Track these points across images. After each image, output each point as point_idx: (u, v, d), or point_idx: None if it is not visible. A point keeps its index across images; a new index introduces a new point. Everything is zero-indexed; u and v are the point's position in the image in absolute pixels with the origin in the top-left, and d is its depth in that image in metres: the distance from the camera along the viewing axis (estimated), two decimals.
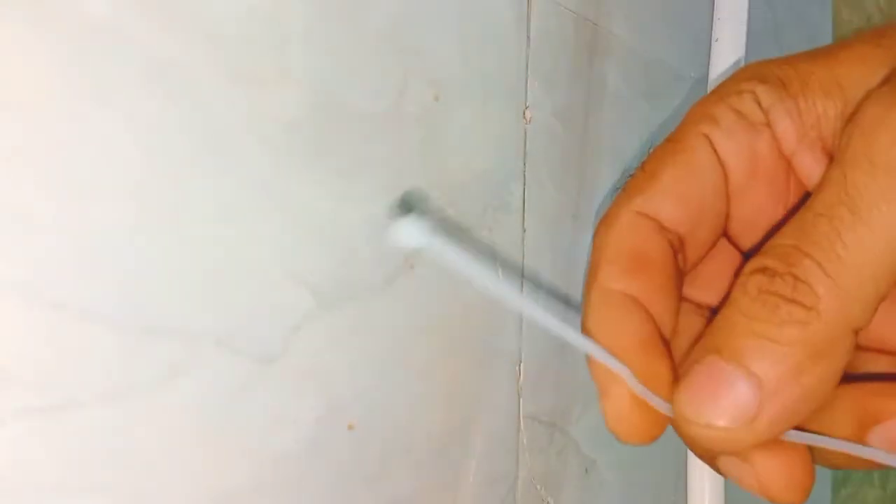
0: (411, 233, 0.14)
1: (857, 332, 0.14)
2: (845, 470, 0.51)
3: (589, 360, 0.17)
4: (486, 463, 0.27)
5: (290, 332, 0.20)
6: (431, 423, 0.25)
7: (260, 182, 0.19)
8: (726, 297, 0.15)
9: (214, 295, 0.18)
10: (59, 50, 0.16)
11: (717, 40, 0.32)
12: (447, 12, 0.24)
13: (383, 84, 0.22)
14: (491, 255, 0.26)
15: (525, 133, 0.27)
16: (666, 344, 0.17)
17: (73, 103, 0.16)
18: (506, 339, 0.27)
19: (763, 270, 0.15)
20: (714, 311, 0.19)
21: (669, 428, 0.17)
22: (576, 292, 0.31)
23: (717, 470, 0.16)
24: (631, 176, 0.18)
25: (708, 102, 0.18)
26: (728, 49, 0.32)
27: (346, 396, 0.22)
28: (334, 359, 0.21)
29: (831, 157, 0.16)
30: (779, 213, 0.18)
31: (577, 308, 0.30)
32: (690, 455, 0.32)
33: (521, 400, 0.28)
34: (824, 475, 0.49)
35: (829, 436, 0.15)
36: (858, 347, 0.17)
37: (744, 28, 0.32)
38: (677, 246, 0.18)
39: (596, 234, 0.18)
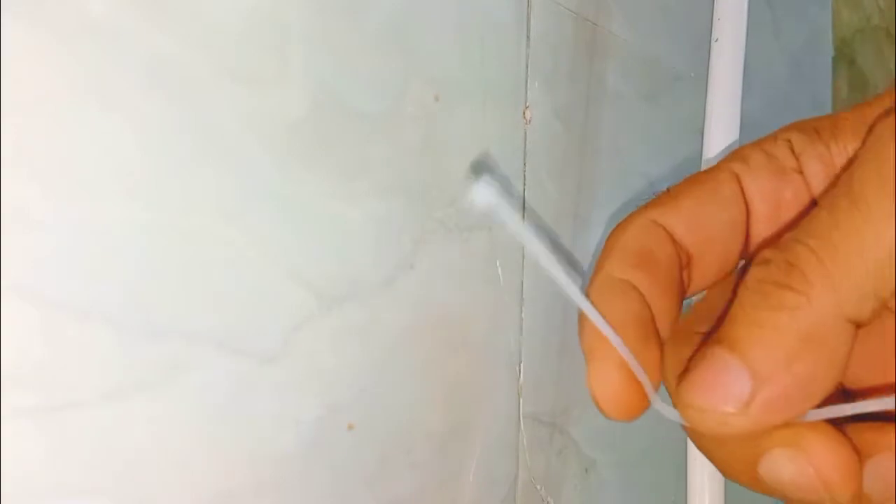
0: (484, 194, 0.15)
1: (856, 325, 0.14)
2: None
3: (581, 326, 0.17)
4: (486, 463, 0.27)
5: (291, 332, 0.20)
6: (431, 423, 0.24)
7: (261, 181, 0.19)
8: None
9: (216, 295, 0.18)
10: (60, 50, 0.15)
11: (716, 40, 0.32)
12: (447, 12, 0.24)
13: (384, 84, 0.22)
14: (491, 255, 0.26)
15: (525, 133, 0.27)
16: (659, 335, 0.17)
17: (74, 103, 0.16)
18: (506, 339, 0.27)
19: (763, 262, 0.15)
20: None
21: (672, 429, 0.17)
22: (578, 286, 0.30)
23: (764, 479, 0.15)
24: (654, 195, 0.19)
25: (745, 146, 0.18)
26: (728, 49, 0.32)
27: (346, 396, 0.22)
28: (335, 359, 0.21)
29: None
30: None
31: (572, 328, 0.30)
32: (691, 454, 0.32)
33: (521, 400, 0.28)
34: None
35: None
36: (844, 390, 0.17)
37: (744, 28, 0.32)
38: (685, 261, 0.18)
39: (609, 236, 0.18)
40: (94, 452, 0.16)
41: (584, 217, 0.30)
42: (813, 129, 0.17)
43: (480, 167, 0.24)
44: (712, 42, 0.33)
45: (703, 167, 0.24)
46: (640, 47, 0.32)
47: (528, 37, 0.27)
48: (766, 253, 0.15)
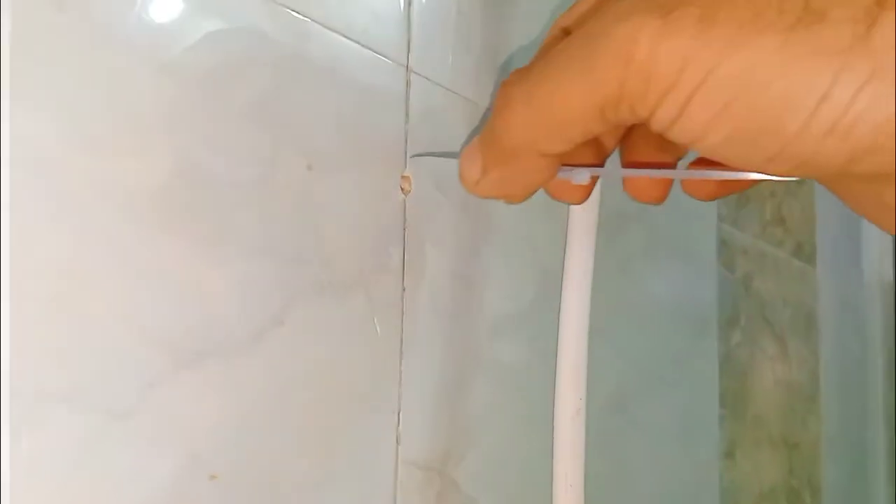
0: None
1: (550, 156, 0.20)
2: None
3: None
4: None
5: (146, 388, 0.20)
6: (302, 472, 0.25)
7: (116, 247, 0.19)
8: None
9: (63, 353, 0.18)
10: None
11: None
12: (322, 89, 0.25)
13: (252, 154, 0.23)
14: (368, 312, 0.27)
15: (404, 202, 0.28)
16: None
17: None
18: (385, 389, 0.28)
19: (505, 84, 0.21)
20: None
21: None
22: (456, 345, 0.32)
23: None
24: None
25: None
26: None
27: (208, 448, 0.22)
28: (194, 413, 0.21)
29: None
30: None
31: (453, 384, 0.31)
32: (556, 492, 0.32)
33: (399, 447, 0.29)
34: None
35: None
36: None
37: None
38: None
39: None
40: None
41: (463, 275, 0.32)
42: None
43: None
44: None
45: None
46: None
47: (406, 113, 0.28)
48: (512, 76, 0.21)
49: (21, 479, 0.18)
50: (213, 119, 0.22)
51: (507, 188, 0.23)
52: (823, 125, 0.16)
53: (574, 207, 0.26)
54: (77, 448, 0.19)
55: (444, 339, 0.31)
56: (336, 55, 0.26)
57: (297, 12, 0.24)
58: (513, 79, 0.21)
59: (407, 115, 0.28)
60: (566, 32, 0.23)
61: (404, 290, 0.28)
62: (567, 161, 0.23)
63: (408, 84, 0.28)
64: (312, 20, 0.25)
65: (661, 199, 0.24)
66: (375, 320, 0.27)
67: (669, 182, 0.24)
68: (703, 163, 0.21)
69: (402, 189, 0.28)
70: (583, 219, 0.27)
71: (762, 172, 0.19)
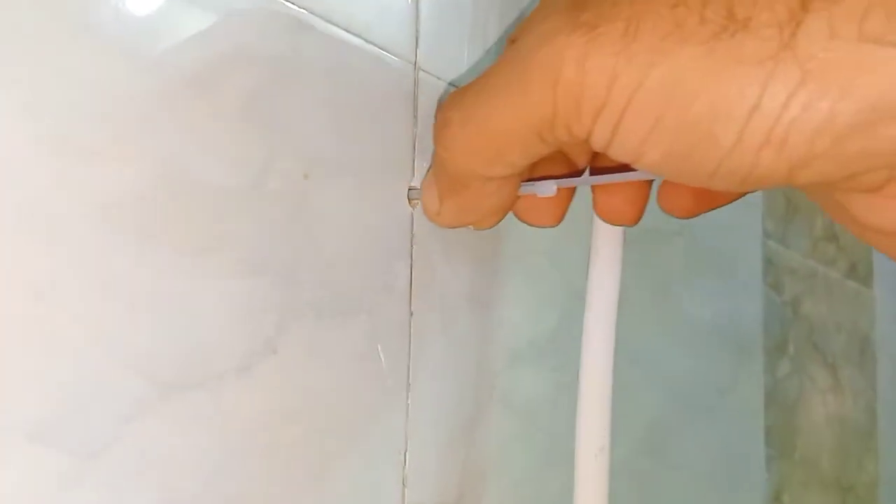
0: None
1: (494, 178, 0.22)
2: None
3: None
4: None
5: (122, 423, 0.20)
6: None
7: (92, 261, 0.19)
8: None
9: (27, 382, 0.18)
10: None
11: None
12: (320, 89, 0.25)
13: (242, 159, 0.22)
14: (371, 338, 0.27)
15: (412, 215, 0.28)
16: None
17: None
18: (389, 426, 0.28)
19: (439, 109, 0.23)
20: None
21: None
22: (470, 376, 0.31)
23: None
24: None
25: None
26: None
27: (190, 487, 0.22)
28: (176, 450, 0.21)
29: None
30: None
31: (465, 418, 0.31)
32: None
33: (405, 490, 0.28)
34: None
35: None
36: None
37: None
38: None
39: None
40: None
41: (480, 299, 0.31)
42: None
43: None
44: None
45: None
46: None
47: (415, 116, 0.28)
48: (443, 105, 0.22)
49: None
50: (200, 121, 0.22)
51: (467, 216, 0.24)
52: (757, 137, 0.17)
53: (597, 221, 0.26)
54: (45, 490, 0.18)
55: (457, 370, 0.30)
56: (336, 51, 0.26)
57: (293, 4, 0.24)
58: (449, 101, 0.22)
59: (415, 117, 0.28)
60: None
61: (412, 313, 0.28)
62: (534, 177, 0.24)
63: (416, 83, 0.28)
64: (310, 12, 0.25)
65: (635, 219, 0.25)
66: (379, 348, 0.27)
67: (644, 201, 0.24)
68: None
69: (409, 201, 0.28)
70: (607, 233, 0.26)
71: (712, 188, 0.19)
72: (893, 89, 0.16)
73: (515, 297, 0.33)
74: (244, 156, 0.23)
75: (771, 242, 0.53)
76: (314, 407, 0.25)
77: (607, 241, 0.26)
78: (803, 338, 0.56)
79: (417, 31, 0.28)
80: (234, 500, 0.23)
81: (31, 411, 0.18)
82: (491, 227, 0.25)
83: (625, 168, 0.23)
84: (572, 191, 0.25)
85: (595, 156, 0.25)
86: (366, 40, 0.26)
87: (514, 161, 0.21)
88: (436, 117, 0.22)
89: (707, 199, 0.23)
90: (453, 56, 0.30)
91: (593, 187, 0.25)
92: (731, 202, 0.23)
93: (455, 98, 0.22)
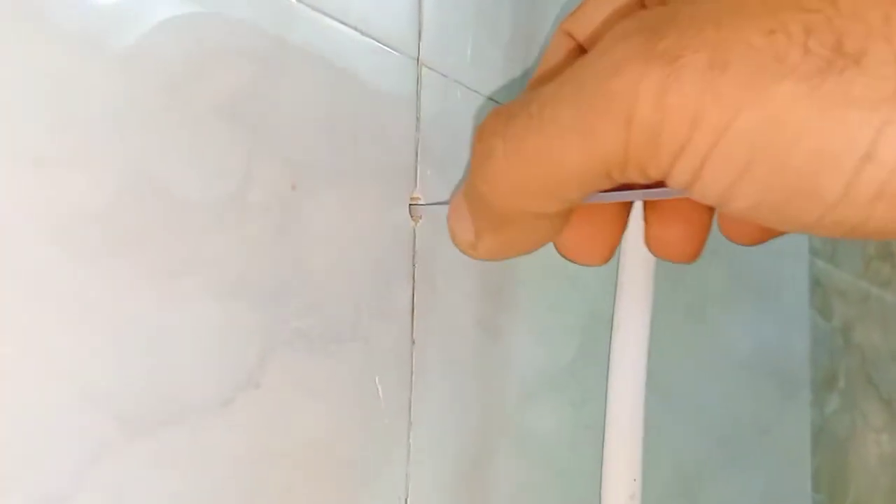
0: None
1: (543, 216, 0.21)
2: None
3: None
4: None
5: (88, 465, 0.20)
6: None
7: (52, 283, 0.19)
8: None
9: None
10: None
11: None
12: (311, 87, 0.25)
13: (220, 168, 0.22)
14: (367, 369, 0.27)
15: (414, 230, 0.28)
16: None
17: None
18: (389, 467, 0.28)
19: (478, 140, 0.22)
20: None
21: None
22: (479, 412, 0.31)
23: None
24: None
25: None
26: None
27: None
28: (146, 493, 0.21)
29: None
30: None
31: (473, 461, 0.31)
32: None
33: None
34: None
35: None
36: None
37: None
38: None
39: None
40: None
41: (491, 325, 0.31)
42: None
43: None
44: None
45: None
46: None
47: (417, 116, 0.28)
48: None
49: None
50: (174, 123, 0.21)
51: (509, 252, 0.24)
52: (869, 189, 0.17)
53: (627, 237, 0.26)
54: None
55: (464, 405, 0.30)
56: (329, 44, 0.26)
57: None
58: (492, 124, 0.21)
59: (417, 119, 0.28)
60: (571, 38, 0.24)
61: (413, 341, 0.28)
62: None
63: (418, 81, 0.28)
64: (300, 1, 0.25)
65: (693, 256, 0.25)
66: (377, 380, 0.27)
67: (705, 234, 0.24)
68: None
69: (411, 214, 0.28)
70: (639, 251, 0.26)
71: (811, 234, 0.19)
72: None
73: (530, 324, 0.33)
74: (223, 163, 0.23)
75: (819, 261, 0.53)
76: (303, 448, 0.25)
77: (639, 257, 0.26)
78: (855, 369, 0.56)
79: (420, 21, 0.28)
80: None
81: None
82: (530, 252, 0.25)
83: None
84: (625, 223, 0.25)
85: None
86: (362, 32, 0.26)
87: (573, 198, 0.21)
88: (473, 142, 0.21)
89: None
90: (460, 51, 0.30)
91: (648, 219, 0.25)
92: None
93: (498, 122, 0.21)
